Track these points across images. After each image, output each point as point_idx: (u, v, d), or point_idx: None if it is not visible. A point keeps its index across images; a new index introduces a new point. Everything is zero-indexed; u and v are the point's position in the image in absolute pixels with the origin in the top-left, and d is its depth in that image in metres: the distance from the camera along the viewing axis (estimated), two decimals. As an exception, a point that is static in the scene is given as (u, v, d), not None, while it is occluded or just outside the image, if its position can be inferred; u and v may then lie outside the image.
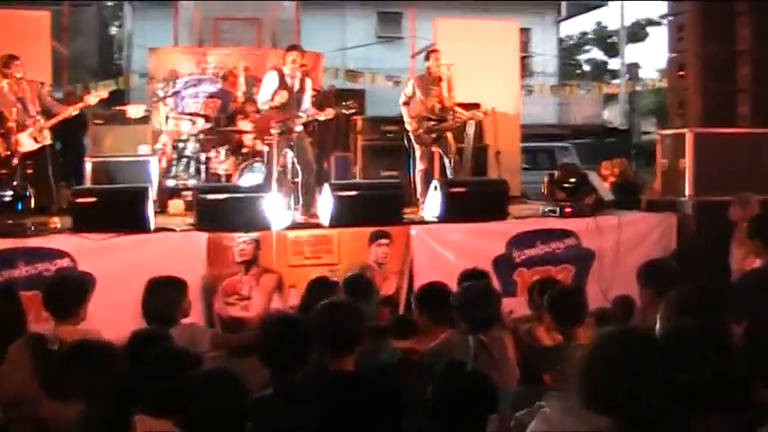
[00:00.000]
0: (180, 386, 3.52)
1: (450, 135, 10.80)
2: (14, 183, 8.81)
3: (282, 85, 10.07)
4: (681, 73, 10.82)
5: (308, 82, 10.41)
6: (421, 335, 5.49)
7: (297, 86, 10.13)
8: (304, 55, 10.43)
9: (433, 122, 10.66)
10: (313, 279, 6.81)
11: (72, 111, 10.06)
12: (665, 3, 11.51)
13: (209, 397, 3.44)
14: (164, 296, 5.64)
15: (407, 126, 10.76)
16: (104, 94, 10.30)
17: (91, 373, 3.65)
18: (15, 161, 9.64)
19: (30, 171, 9.85)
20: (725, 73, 10.75)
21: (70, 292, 5.61)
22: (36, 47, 11.33)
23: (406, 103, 10.88)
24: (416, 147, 10.76)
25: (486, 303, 5.15)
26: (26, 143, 9.77)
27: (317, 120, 10.48)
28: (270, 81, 10.17)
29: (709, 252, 8.80)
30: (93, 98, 10.10)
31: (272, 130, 9.90)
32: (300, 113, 10.04)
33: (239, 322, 8.40)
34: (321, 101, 13.84)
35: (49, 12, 12.64)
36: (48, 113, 10.00)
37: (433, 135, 10.67)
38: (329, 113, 10.37)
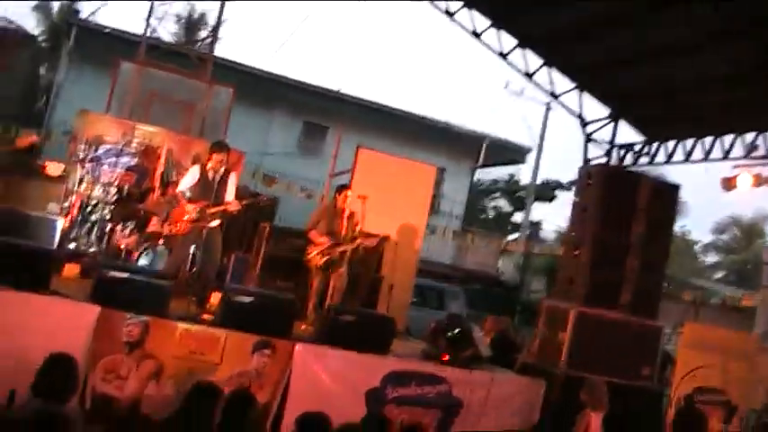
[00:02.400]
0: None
1: (344, 264, 11.22)
2: None
3: (204, 179, 10.45)
4: (576, 252, 11.46)
5: (232, 177, 10.83)
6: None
7: (218, 181, 10.51)
8: (229, 154, 10.81)
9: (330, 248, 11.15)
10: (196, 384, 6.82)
11: None
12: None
13: None
14: (62, 373, 5.65)
15: (312, 249, 11.18)
16: (34, 138, 10.45)
17: None
18: None
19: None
20: (615, 261, 11.44)
21: None
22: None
23: (311, 230, 11.38)
24: (312, 267, 11.16)
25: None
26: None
27: (226, 211, 10.67)
28: (192, 174, 10.55)
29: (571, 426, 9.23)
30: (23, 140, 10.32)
31: (185, 217, 10.24)
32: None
33: (110, 401, 8.47)
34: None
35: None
36: None
37: (328, 259, 11.14)
38: (235, 205, 10.68)
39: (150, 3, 19.01)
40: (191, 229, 10.44)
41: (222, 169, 10.63)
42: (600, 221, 11.38)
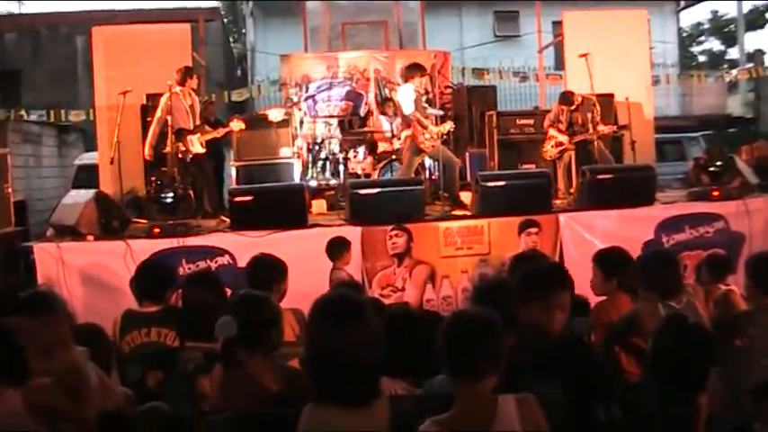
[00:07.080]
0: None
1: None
2: (176, 185, 9.12)
3: (417, 95, 10.67)
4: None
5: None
6: (604, 300, 5.50)
7: (424, 98, 10.87)
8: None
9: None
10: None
11: (221, 133, 11.05)
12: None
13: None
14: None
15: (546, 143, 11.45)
16: (242, 125, 10.95)
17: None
18: (189, 160, 10.40)
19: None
20: None
21: (272, 268, 5.79)
22: (179, 58, 11.69)
23: (552, 125, 11.41)
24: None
25: (670, 270, 5.05)
26: (197, 146, 10.50)
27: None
28: (408, 93, 10.53)
29: None
30: (236, 126, 10.88)
31: (426, 137, 10.26)
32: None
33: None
34: (454, 98, 14.13)
35: (189, 25, 13.14)
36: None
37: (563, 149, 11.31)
38: (446, 128, 10.84)
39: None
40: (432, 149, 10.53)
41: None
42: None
